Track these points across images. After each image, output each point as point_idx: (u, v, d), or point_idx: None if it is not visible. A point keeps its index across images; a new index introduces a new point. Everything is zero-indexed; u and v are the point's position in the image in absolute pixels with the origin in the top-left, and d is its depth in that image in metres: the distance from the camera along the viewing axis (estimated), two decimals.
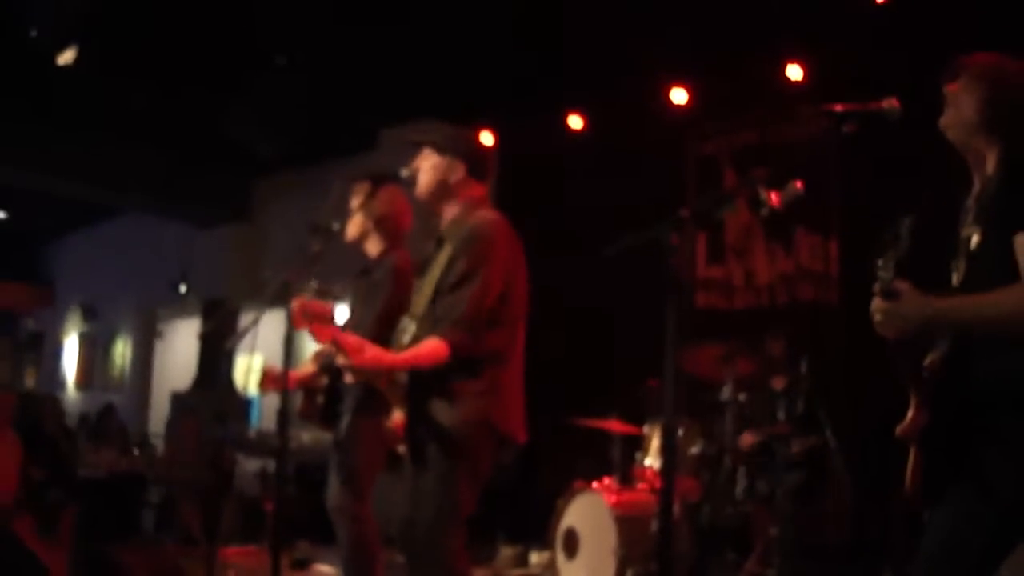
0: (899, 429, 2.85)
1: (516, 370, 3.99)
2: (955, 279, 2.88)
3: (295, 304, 3.88)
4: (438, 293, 3.89)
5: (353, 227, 5.12)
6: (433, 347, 3.74)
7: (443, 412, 3.79)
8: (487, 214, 4.02)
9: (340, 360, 3.81)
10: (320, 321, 3.85)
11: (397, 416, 3.90)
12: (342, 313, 5.11)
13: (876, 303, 2.72)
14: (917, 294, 2.68)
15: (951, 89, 2.96)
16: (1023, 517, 2.68)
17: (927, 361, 2.85)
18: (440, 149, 4.10)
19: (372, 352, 3.76)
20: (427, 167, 4.10)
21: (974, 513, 2.71)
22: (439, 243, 4.04)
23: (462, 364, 3.76)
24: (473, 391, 3.80)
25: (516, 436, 3.96)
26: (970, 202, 2.89)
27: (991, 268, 2.69)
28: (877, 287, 2.72)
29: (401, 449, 3.94)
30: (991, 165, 2.86)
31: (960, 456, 2.74)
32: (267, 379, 4.79)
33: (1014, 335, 2.64)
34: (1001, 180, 2.79)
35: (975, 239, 2.80)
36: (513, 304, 3.93)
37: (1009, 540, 2.72)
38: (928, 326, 2.71)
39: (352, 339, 3.79)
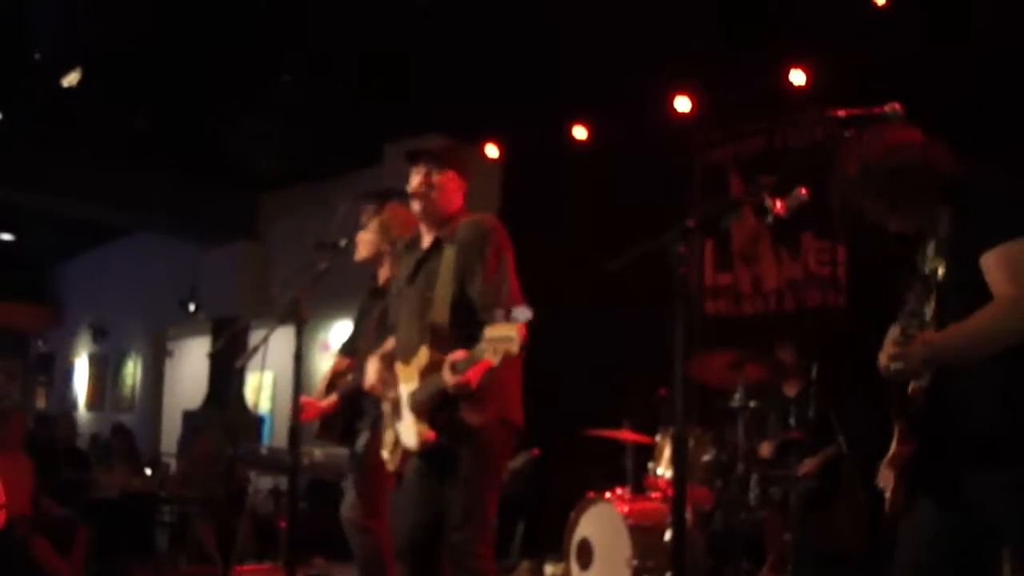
0: (885, 461, 2.92)
1: (517, 369, 4.07)
2: (928, 312, 2.89)
3: None
4: (460, 287, 3.97)
5: (365, 247, 5.13)
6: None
7: (470, 415, 3.87)
8: (485, 214, 4.18)
9: (447, 377, 3.75)
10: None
11: (423, 429, 3.93)
12: (345, 330, 5.11)
13: (891, 349, 2.76)
14: (921, 335, 2.73)
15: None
16: (999, 537, 2.79)
17: (909, 389, 2.88)
18: (446, 164, 4.17)
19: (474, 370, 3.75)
20: (439, 183, 4.15)
21: (955, 528, 2.79)
22: (436, 246, 4.10)
23: None
24: (492, 391, 3.86)
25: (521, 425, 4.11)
26: (929, 243, 2.91)
27: (961, 295, 2.76)
28: (899, 334, 2.76)
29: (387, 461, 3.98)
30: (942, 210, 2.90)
31: (942, 479, 2.80)
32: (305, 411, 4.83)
33: (1004, 348, 2.68)
34: (959, 213, 2.83)
35: (940, 271, 2.84)
36: None
37: (985, 556, 2.83)
38: (931, 362, 2.75)
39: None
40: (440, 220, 4.17)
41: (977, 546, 2.80)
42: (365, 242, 5.12)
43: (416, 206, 4.18)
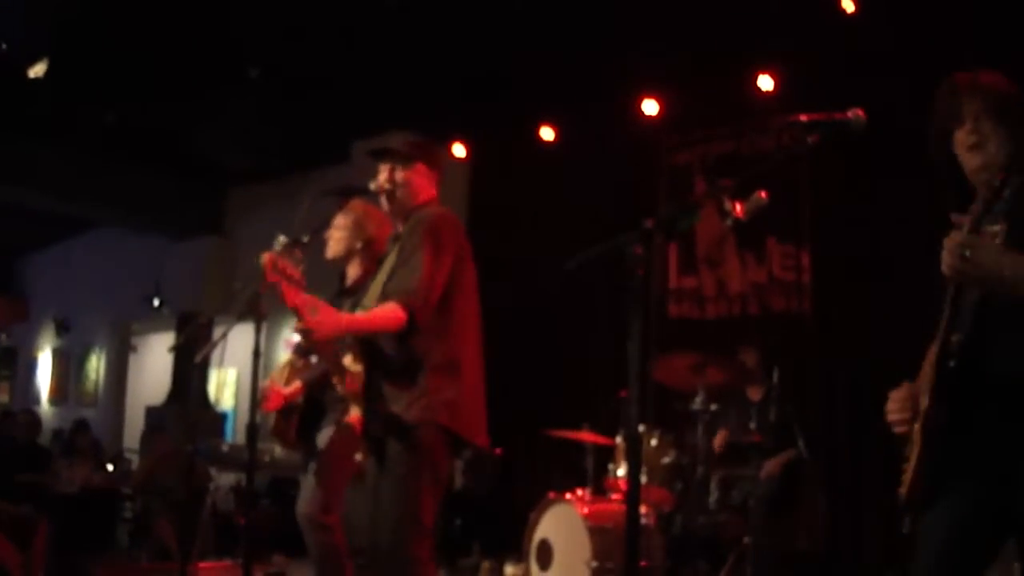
0: (920, 423, 2.79)
1: (473, 375, 4.01)
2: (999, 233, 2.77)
3: (266, 257, 3.86)
4: (391, 275, 3.96)
5: (336, 244, 5.11)
6: (389, 310, 3.78)
7: (400, 409, 3.83)
8: (438, 208, 4.15)
9: (297, 324, 3.78)
10: (290, 281, 3.82)
11: (354, 413, 3.89)
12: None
13: (959, 236, 2.62)
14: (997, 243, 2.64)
15: (968, 124, 2.92)
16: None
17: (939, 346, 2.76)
18: (411, 158, 4.17)
19: (327, 311, 3.78)
20: (405, 178, 4.15)
21: (980, 502, 2.68)
22: (396, 239, 4.13)
23: (415, 363, 3.82)
24: (427, 389, 3.82)
25: (474, 438, 3.98)
26: (979, 204, 2.82)
27: None
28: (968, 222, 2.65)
29: (358, 457, 3.93)
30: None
31: (971, 445, 2.70)
32: (270, 399, 4.80)
33: None
34: None
35: (1000, 234, 2.68)
36: (463, 302, 4.00)
37: (1008, 527, 2.71)
38: (995, 274, 2.59)
39: (308, 298, 3.78)
40: (407, 214, 4.18)
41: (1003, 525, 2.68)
42: (336, 239, 5.11)
43: (384, 203, 4.19)
